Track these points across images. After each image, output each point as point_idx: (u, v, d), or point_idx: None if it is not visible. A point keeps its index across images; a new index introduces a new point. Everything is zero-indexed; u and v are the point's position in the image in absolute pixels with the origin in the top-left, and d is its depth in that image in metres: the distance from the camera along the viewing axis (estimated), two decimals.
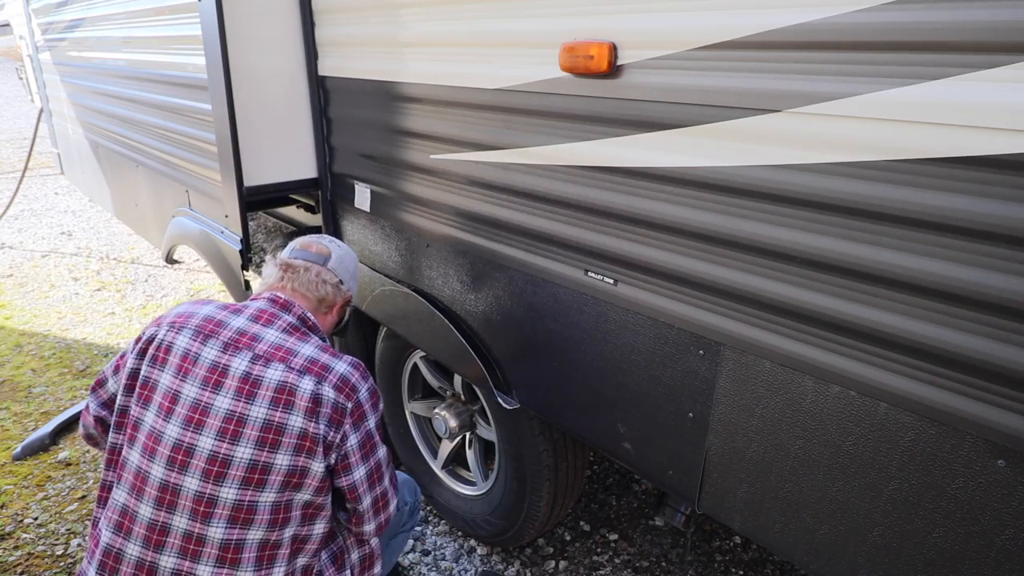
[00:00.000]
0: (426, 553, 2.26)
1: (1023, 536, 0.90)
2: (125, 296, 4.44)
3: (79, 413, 2.96)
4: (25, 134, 9.86)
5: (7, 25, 5.36)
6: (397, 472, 1.62)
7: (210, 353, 1.29)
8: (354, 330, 2.54)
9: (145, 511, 1.24)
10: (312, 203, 2.54)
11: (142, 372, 1.31)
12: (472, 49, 1.48)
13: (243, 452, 1.23)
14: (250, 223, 2.09)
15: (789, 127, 0.98)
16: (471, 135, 1.55)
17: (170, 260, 3.08)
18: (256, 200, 2.08)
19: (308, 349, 1.34)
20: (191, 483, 1.22)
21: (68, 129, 4.40)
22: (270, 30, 1.92)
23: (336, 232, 2.21)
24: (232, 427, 1.24)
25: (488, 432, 2.08)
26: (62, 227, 5.93)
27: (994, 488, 0.91)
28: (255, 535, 1.24)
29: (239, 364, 1.28)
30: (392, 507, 1.47)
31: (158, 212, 3.31)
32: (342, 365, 1.34)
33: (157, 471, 1.24)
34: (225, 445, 1.23)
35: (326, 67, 1.97)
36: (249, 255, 2.13)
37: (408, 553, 2.25)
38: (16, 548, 2.26)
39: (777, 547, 1.22)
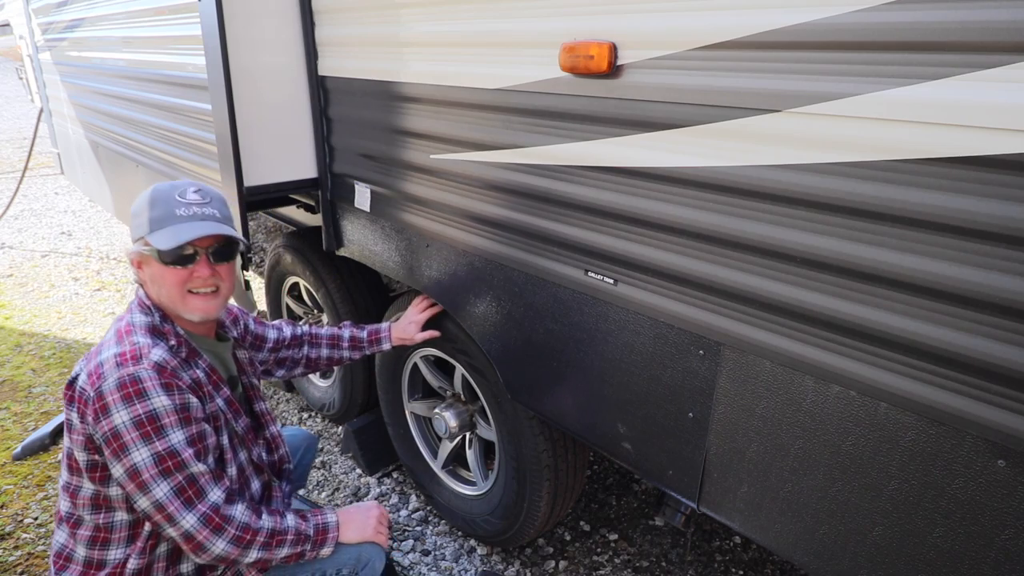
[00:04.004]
0: (426, 553, 2.26)
1: (1023, 536, 0.90)
2: (125, 296, 4.43)
3: None
4: (25, 134, 9.86)
5: (7, 25, 5.36)
6: (361, 549, 1.48)
7: None
8: None
9: None
10: (312, 203, 2.54)
11: None
12: (472, 49, 1.48)
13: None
14: (250, 223, 2.09)
15: (789, 127, 0.98)
16: (471, 135, 1.55)
17: None
18: (256, 200, 2.08)
19: (109, 332, 1.36)
20: None
21: (68, 129, 4.40)
22: (270, 30, 1.92)
23: (336, 232, 2.21)
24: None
25: (488, 432, 2.08)
26: (62, 227, 5.93)
27: (994, 488, 0.91)
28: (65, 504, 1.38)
29: None
30: (186, 524, 1.27)
31: None
32: (112, 350, 1.28)
33: None
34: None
35: (326, 67, 1.97)
36: (249, 255, 2.13)
37: (408, 553, 2.25)
38: (16, 548, 2.26)
39: (777, 547, 1.22)
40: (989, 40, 0.78)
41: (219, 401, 1.42)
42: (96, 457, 1.29)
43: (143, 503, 1.27)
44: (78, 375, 1.30)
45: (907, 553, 1.03)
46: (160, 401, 1.25)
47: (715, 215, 1.12)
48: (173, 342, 1.36)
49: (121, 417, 1.23)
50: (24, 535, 2.31)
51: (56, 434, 2.84)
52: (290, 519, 1.41)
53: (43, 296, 4.44)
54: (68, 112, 4.20)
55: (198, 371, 1.38)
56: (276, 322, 1.87)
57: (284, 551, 1.38)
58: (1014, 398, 0.86)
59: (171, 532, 1.29)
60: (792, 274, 1.05)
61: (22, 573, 2.15)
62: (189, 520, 1.27)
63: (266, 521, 1.36)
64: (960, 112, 0.82)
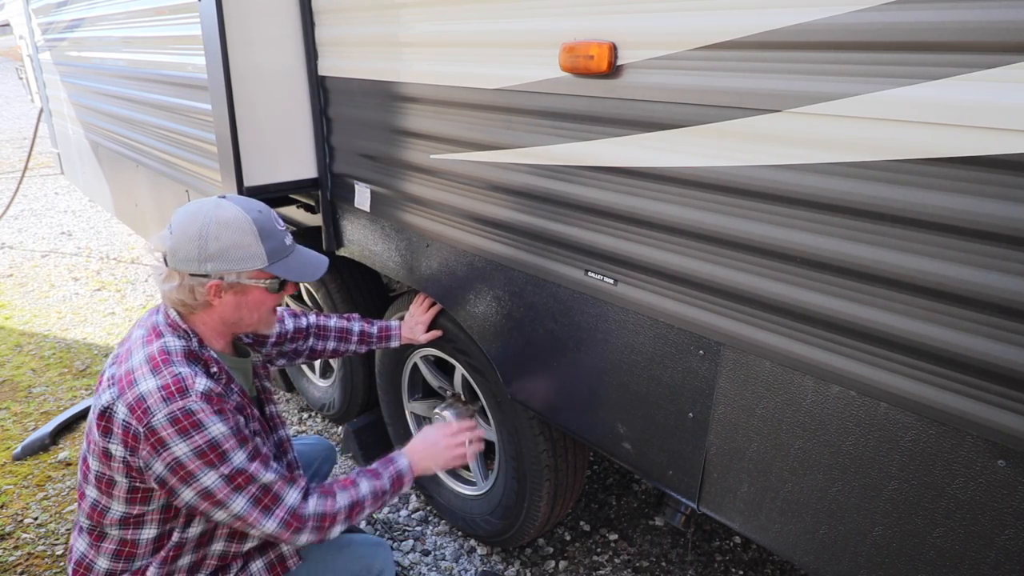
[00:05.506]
0: (426, 553, 2.26)
1: (1023, 536, 0.90)
2: (125, 296, 4.44)
3: (79, 413, 2.97)
4: (25, 134, 9.87)
5: (7, 25, 5.37)
6: (358, 537, 1.53)
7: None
8: None
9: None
10: (312, 203, 2.54)
11: None
12: (472, 49, 1.48)
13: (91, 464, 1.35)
14: None
15: (789, 127, 0.98)
16: (471, 135, 1.55)
17: None
18: None
19: (137, 358, 1.29)
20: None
21: (68, 129, 4.40)
22: (270, 30, 1.92)
23: (336, 232, 2.21)
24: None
25: (488, 432, 2.08)
26: (62, 227, 5.93)
27: (994, 488, 0.91)
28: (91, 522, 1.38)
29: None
30: (267, 529, 1.32)
31: (158, 212, 3.31)
32: (151, 381, 1.24)
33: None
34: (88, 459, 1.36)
35: (326, 67, 1.97)
36: None
37: (408, 553, 2.25)
38: (16, 548, 2.26)
39: (777, 547, 1.22)
40: (989, 40, 0.78)
41: (254, 424, 1.43)
42: (139, 484, 1.29)
43: (221, 515, 1.30)
44: (111, 405, 1.26)
45: (907, 553, 1.03)
46: (217, 429, 1.25)
47: (715, 215, 1.12)
48: (214, 369, 1.35)
49: (181, 449, 1.22)
50: (24, 535, 2.31)
51: (56, 434, 2.84)
52: (364, 487, 1.46)
53: (43, 296, 4.44)
54: (68, 112, 4.20)
55: (236, 396, 1.39)
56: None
57: (366, 512, 1.46)
58: (1014, 398, 0.86)
59: (254, 533, 1.34)
60: (792, 274, 1.05)
61: (22, 573, 2.15)
62: (270, 526, 1.32)
63: (341, 500, 1.41)
64: (960, 112, 0.82)
